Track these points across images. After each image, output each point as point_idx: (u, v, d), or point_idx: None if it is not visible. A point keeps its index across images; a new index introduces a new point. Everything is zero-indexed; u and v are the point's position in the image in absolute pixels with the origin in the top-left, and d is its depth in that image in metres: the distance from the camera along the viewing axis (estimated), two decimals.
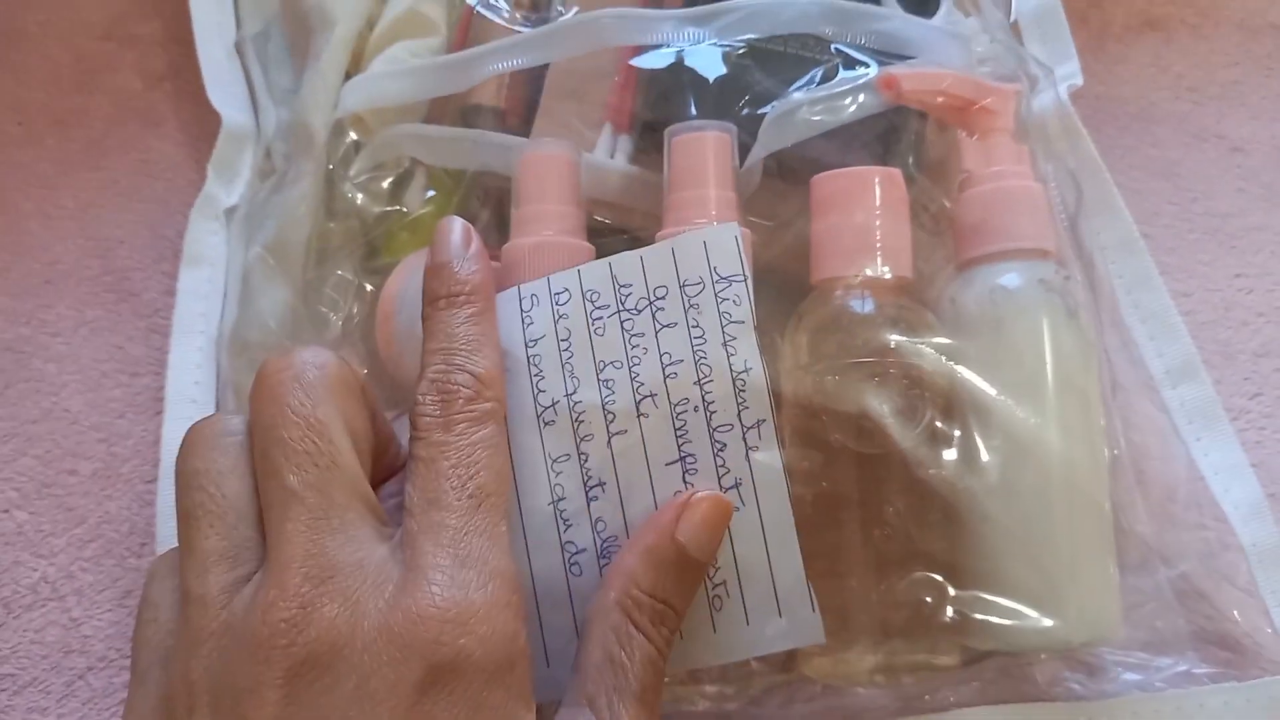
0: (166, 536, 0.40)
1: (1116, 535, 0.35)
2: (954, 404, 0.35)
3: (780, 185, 0.39)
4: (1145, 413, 0.41)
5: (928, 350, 0.35)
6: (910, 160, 0.39)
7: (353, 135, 0.43)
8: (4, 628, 0.41)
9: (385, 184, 0.43)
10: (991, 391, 0.35)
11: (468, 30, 0.44)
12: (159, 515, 0.40)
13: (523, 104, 0.42)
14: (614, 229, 0.41)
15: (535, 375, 0.35)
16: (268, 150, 0.46)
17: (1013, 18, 0.48)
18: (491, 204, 0.43)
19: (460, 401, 0.30)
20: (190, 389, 0.42)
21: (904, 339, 0.35)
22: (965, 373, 0.35)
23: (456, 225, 0.34)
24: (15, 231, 0.49)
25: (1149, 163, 0.52)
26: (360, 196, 0.42)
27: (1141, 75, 0.54)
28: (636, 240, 0.38)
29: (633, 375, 0.34)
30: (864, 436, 0.34)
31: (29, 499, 0.43)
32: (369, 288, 0.42)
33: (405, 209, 0.43)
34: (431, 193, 0.43)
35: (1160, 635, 0.37)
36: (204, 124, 0.50)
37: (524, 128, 0.42)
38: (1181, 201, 0.51)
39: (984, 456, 0.34)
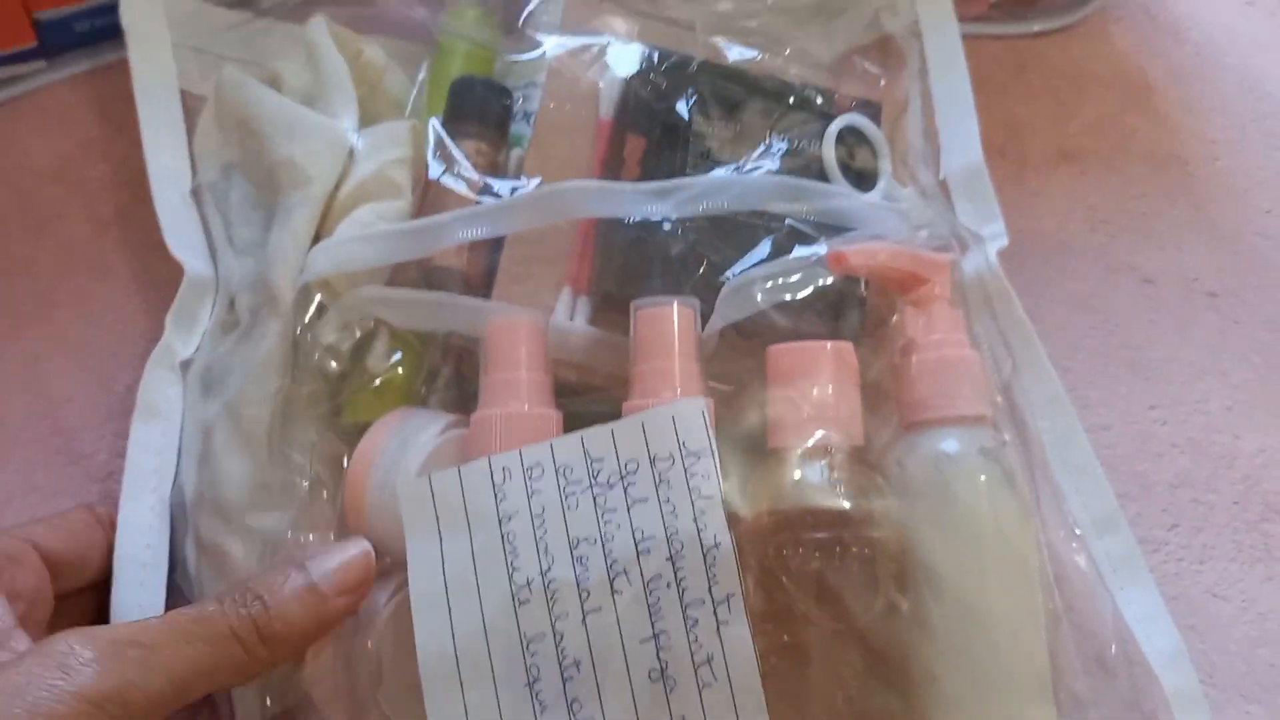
0: None
1: (1055, 688, 0.37)
2: (906, 569, 0.36)
3: (738, 342, 0.41)
4: (1074, 563, 0.42)
5: (881, 518, 0.36)
6: (855, 323, 0.42)
7: (318, 297, 0.42)
8: None
9: (347, 346, 0.42)
10: (939, 555, 0.36)
11: (427, 192, 0.44)
12: None
13: (484, 267, 0.43)
14: (576, 388, 0.42)
15: (510, 553, 0.35)
16: (230, 301, 0.45)
17: (941, 175, 0.51)
18: (453, 360, 0.43)
19: None
20: (141, 552, 0.40)
21: (859, 507, 0.36)
22: (915, 537, 0.37)
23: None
24: None
25: (1069, 296, 0.55)
26: (325, 359, 0.42)
27: (1059, 208, 0.58)
28: (602, 403, 0.39)
29: (606, 551, 0.35)
30: (824, 607, 0.35)
31: None
32: (337, 452, 0.41)
33: (371, 370, 0.42)
34: (397, 355, 0.43)
35: None
36: (154, 273, 0.49)
37: (486, 290, 0.42)
38: (1099, 334, 0.54)
39: (934, 620, 0.36)
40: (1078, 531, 0.43)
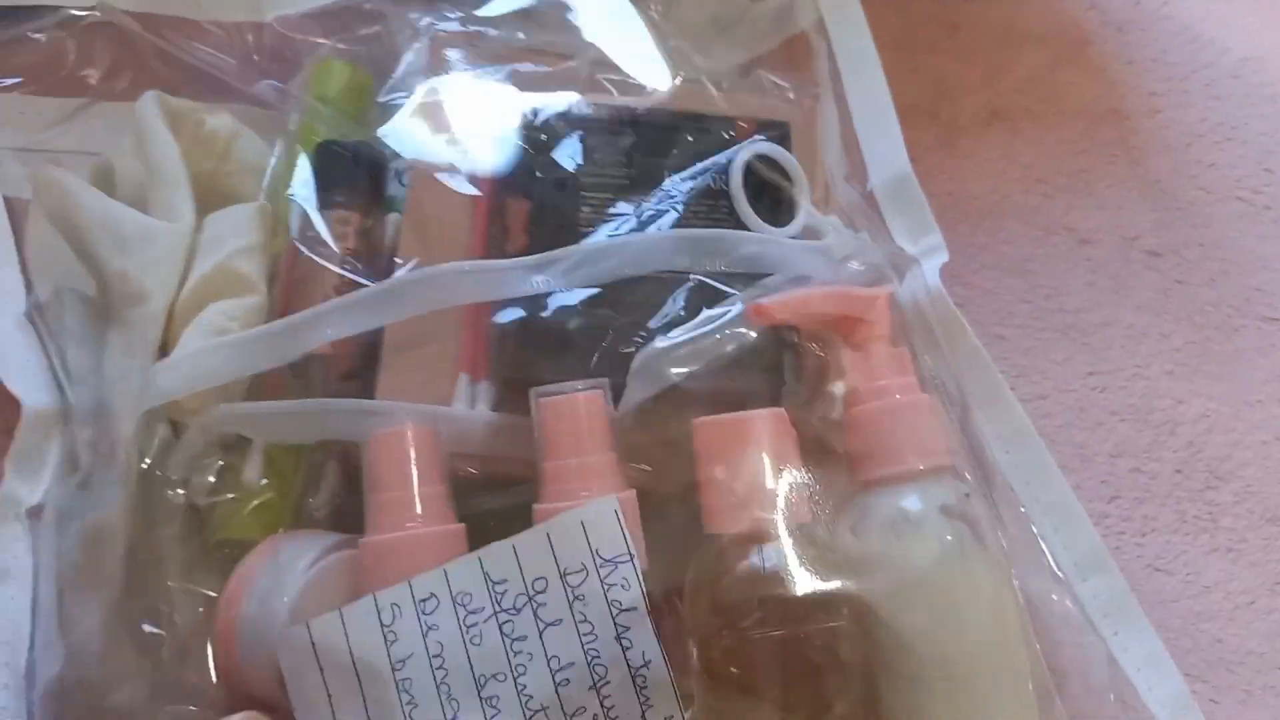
0: None
1: None
2: (874, 652, 0.34)
3: (663, 405, 0.37)
4: (1054, 607, 0.40)
5: (838, 602, 0.33)
6: (790, 374, 0.39)
7: (169, 420, 0.38)
8: None
9: (209, 476, 0.38)
10: (910, 631, 0.33)
11: (293, 272, 0.40)
12: None
13: (355, 346, 0.39)
14: (485, 483, 0.38)
15: (408, 704, 0.31)
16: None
17: (868, 186, 0.47)
18: (337, 458, 0.39)
19: None
20: None
21: (811, 594, 0.33)
22: (881, 613, 0.34)
23: None
24: None
25: (1001, 260, 0.53)
26: (183, 494, 0.38)
27: (991, 169, 0.55)
28: (517, 494, 0.36)
29: (519, 688, 0.31)
30: (784, 709, 0.33)
31: None
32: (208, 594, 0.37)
33: (246, 486, 0.38)
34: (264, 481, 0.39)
35: None
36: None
37: (359, 375, 0.38)
38: (1034, 299, 0.52)
39: (916, 700, 0.33)
40: (1060, 575, 0.41)
